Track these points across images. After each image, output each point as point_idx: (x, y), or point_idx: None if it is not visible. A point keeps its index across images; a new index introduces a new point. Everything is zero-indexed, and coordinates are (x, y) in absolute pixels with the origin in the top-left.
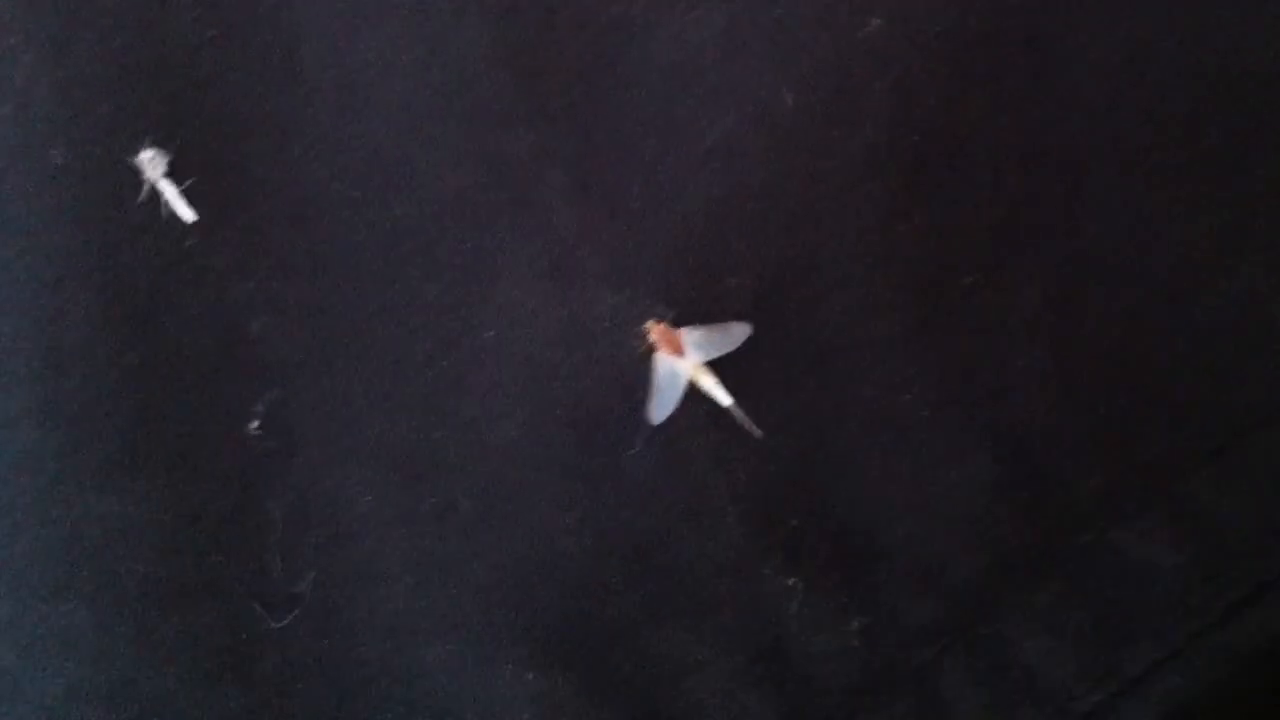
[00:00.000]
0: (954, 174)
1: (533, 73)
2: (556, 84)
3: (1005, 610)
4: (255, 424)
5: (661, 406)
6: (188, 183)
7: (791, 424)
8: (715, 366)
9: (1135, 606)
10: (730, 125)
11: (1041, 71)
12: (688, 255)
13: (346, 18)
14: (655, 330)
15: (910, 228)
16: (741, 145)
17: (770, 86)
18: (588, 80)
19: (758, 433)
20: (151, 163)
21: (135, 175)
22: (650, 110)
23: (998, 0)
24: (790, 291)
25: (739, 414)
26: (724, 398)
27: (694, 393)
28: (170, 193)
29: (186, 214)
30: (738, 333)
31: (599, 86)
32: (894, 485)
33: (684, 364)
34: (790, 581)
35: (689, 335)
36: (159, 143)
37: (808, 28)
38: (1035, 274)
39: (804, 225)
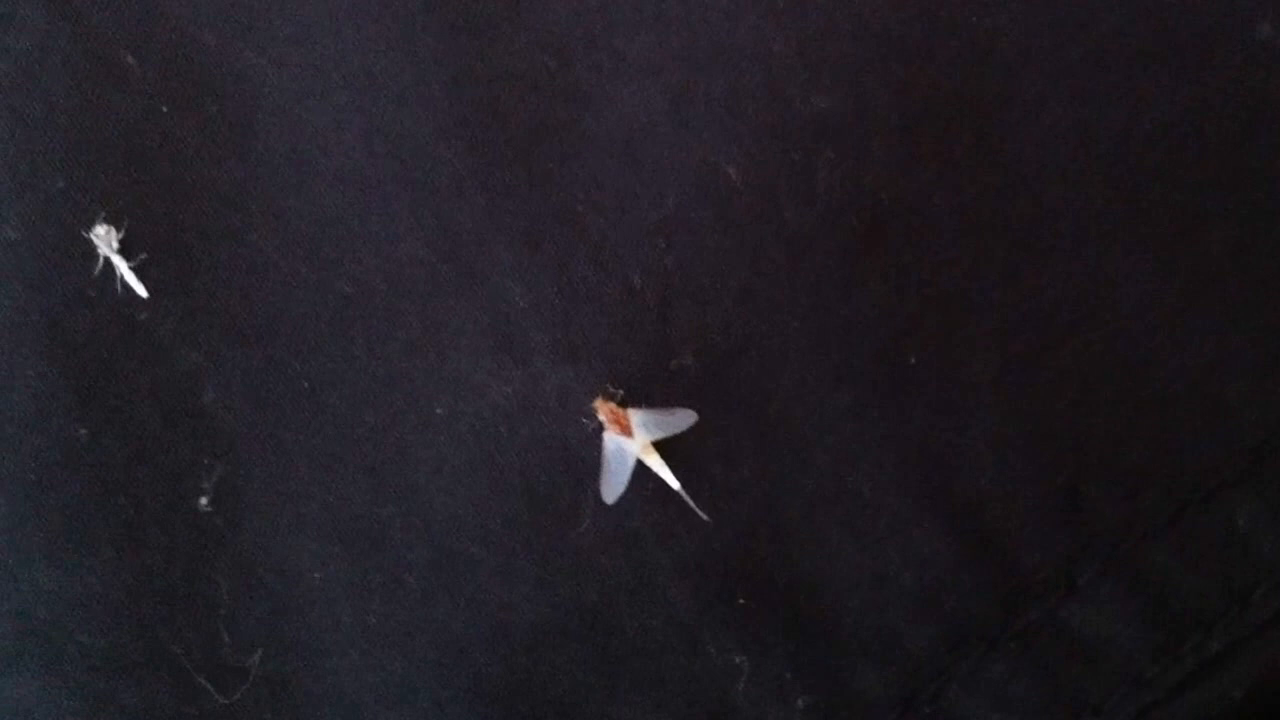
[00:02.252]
0: (903, 246)
1: (482, 144)
2: (505, 155)
3: (956, 685)
4: (204, 499)
5: (612, 485)
6: (140, 257)
7: (739, 499)
8: (662, 446)
9: (1087, 679)
10: (677, 199)
11: (991, 142)
12: (634, 331)
13: (298, 89)
14: (603, 409)
15: (858, 301)
16: (688, 219)
17: (716, 160)
18: (536, 152)
19: (705, 517)
20: (105, 237)
21: (89, 249)
22: (598, 183)
23: (945, 73)
24: (737, 367)
25: (686, 497)
26: (672, 480)
27: (642, 469)
28: (123, 268)
29: (139, 289)
30: (684, 419)
31: (547, 158)
32: (843, 559)
33: (631, 444)
34: (737, 659)
35: (636, 416)
36: (111, 217)
37: (754, 101)
38: (986, 345)
39: (750, 300)
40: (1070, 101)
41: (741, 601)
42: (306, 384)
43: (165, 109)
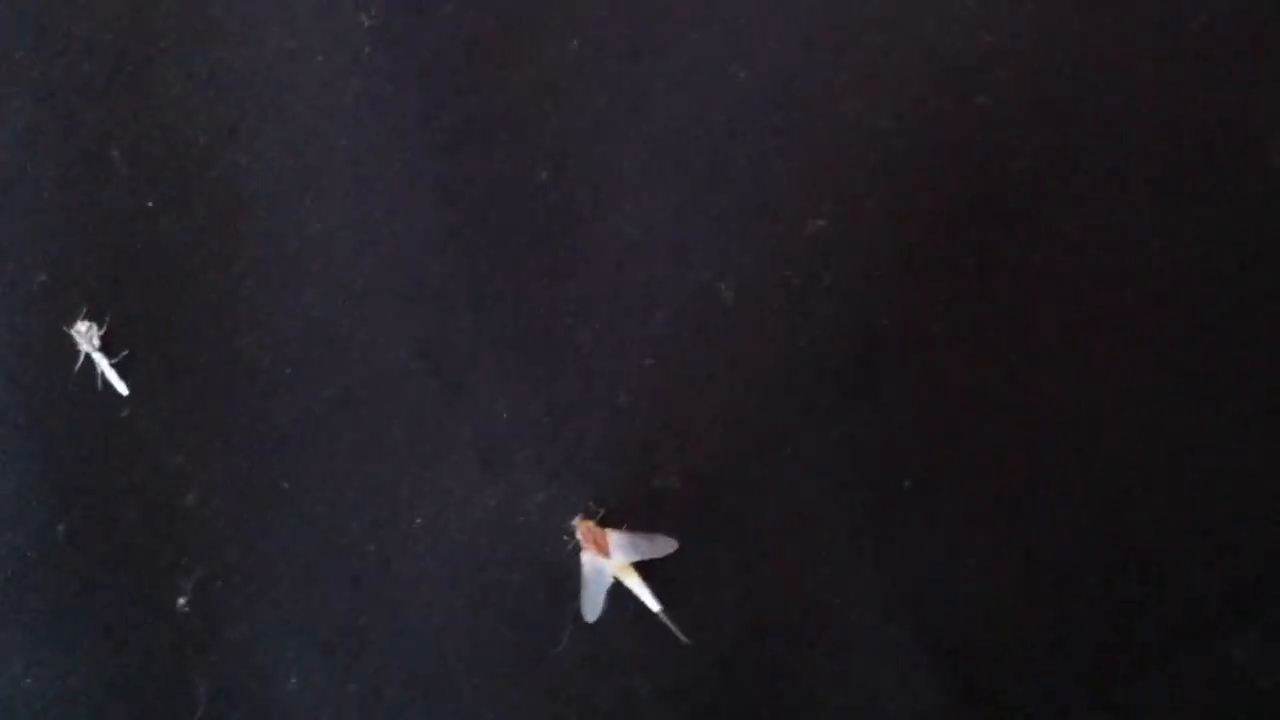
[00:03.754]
0: (899, 372)
1: (472, 256)
2: (496, 268)
3: None
4: (183, 600)
5: (591, 605)
6: (122, 355)
7: (722, 625)
8: (644, 566)
9: None
10: (668, 317)
11: (994, 266)
12: (618, 451)
13: (288, 194)
14: (582, 528)
15: (850, 429)
16: (678, 338)
17: (710, 280)
18: (527, 266)
19: (684, 640)
20: (86, 335)
21: (70, 346)
22: (589, 299)
23: (949, 196)
24: (723, 491)
25: (666, 619)
26: (651, 602)
27: (622, 591)
28: (104, 365)
29: (121, 386)
30: (664, 545)
31: (538, 273)
32: (828, 691)
33: (610, 564)
34: None
35: (615, 538)
36: (93, 314)
37: (751, 222)
38: (981, 474)
39: (737, 425)
40: (1080, 226)
41: None
42: (289, 489)
43: (152, 207)
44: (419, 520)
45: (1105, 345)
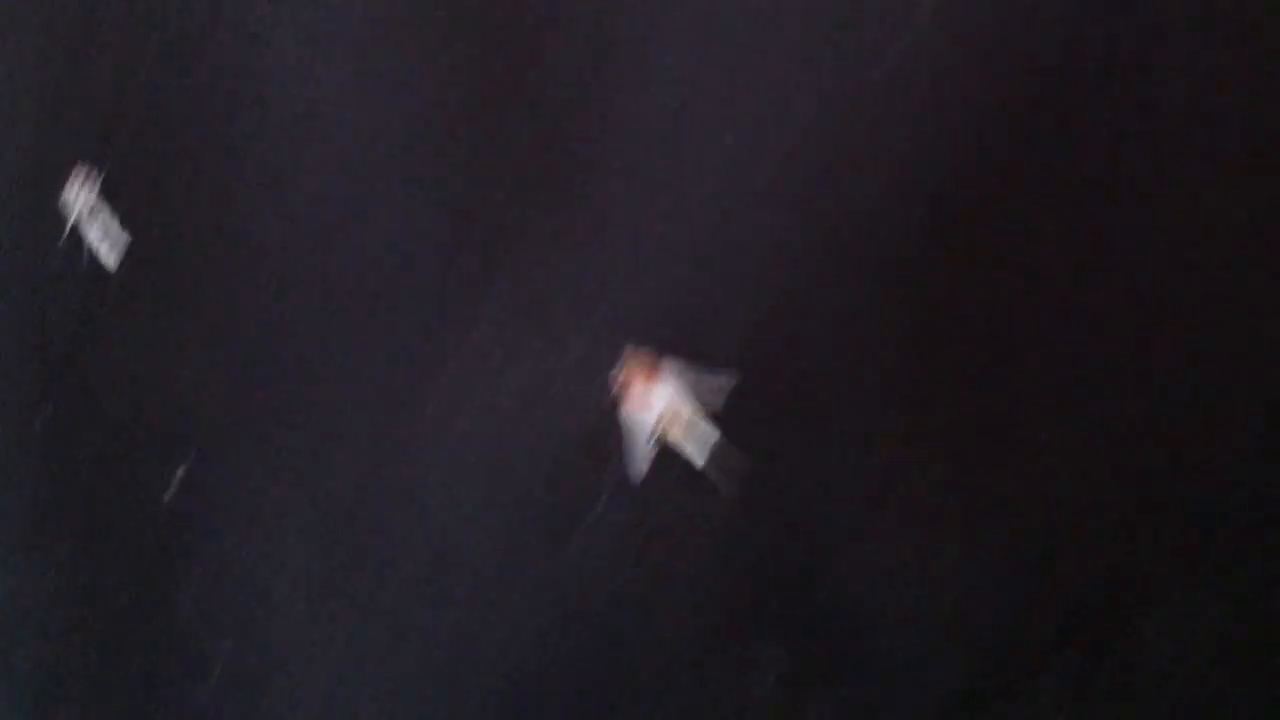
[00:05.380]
0: (991, 217)
1: (513, 118)
2: (537, 129)
3: (1000, 708)
4: (170, 492)
5: (638, 455)
6: (113, 223)
7: (781, 487)
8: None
9: (1163, 704)
10: (718, 179)
11: (1113, 85)
12: (673, 305)
13: (310, 43)
14: (630, 361)
15: (935, 278)
16: (741, 187)
17: (776, 121)
18: (576, 117)
19: (730, 489)
20: (75, 202)
21: (58, 215)
22: (636, 160)
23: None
24: (792, 334)
25: (713, 471)
26: (700, 450)
27: (667, 451)
28: (94, 235)
29: (110, 259)
30: (723, 380)
31: (588, 123)
32: (893, 562)
33: (660, 393)
34: (760, 669)
35: (670, 365)
36: (84, 180)
37: (822, 61)
38: (1068, 336)
39: (817, 256)
40: None
41: (773, 602)
42: (296, 368)
43: (152, 63)
44: (442, 393)
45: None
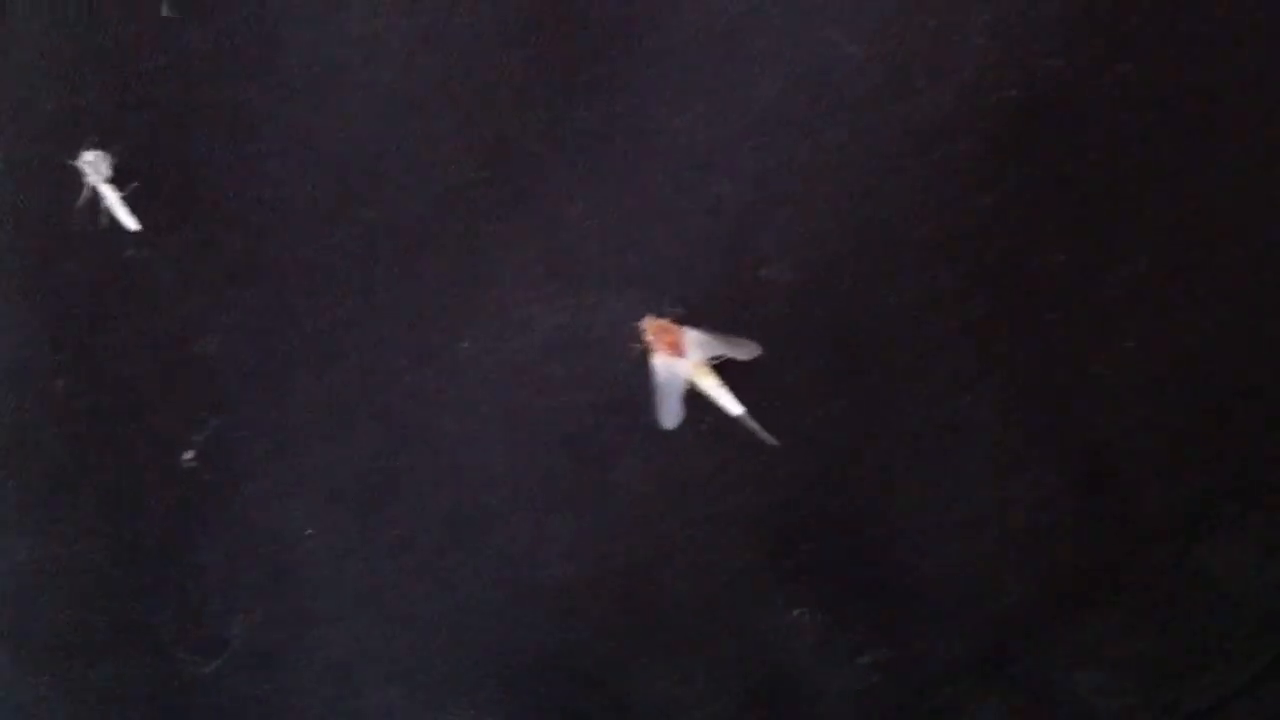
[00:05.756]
0: (1055, 136)
1: (548, 47)
2: (579, 56)
3: (1053, 643)
4: (190, 454)
5: (668, 412)
6: (132, 187)
7: (820, 435)
8: (727, 375)
9: (1210, 633)
10: (777, 91)
11: (1165, 18)
12: (716, 244)
13: None
14: (653, 328)
15: (990, 200)
16: (789, 113)
17: (836, 38)
18: (616, 50)
19: (771, 441)
20: (94, 164)
21: (76, 178)
22: (685, 80)
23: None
24: (835, 280)
25: (750, 422)
26: (732, 405)
27: (700, 402)
28: (112, 198)
29: (129, 222)
30: (745, 348)
31: (629, 56)
32: (938, 501)
33: (685, 364)
34: (798, 613)
35: (692, 335)
36: (103, 142)
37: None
38: (1133, 252)
39: (857, 202)
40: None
41: (809, 548)
42: (320, 326)
43: (171, 16)
44: (466, 346)
45: None
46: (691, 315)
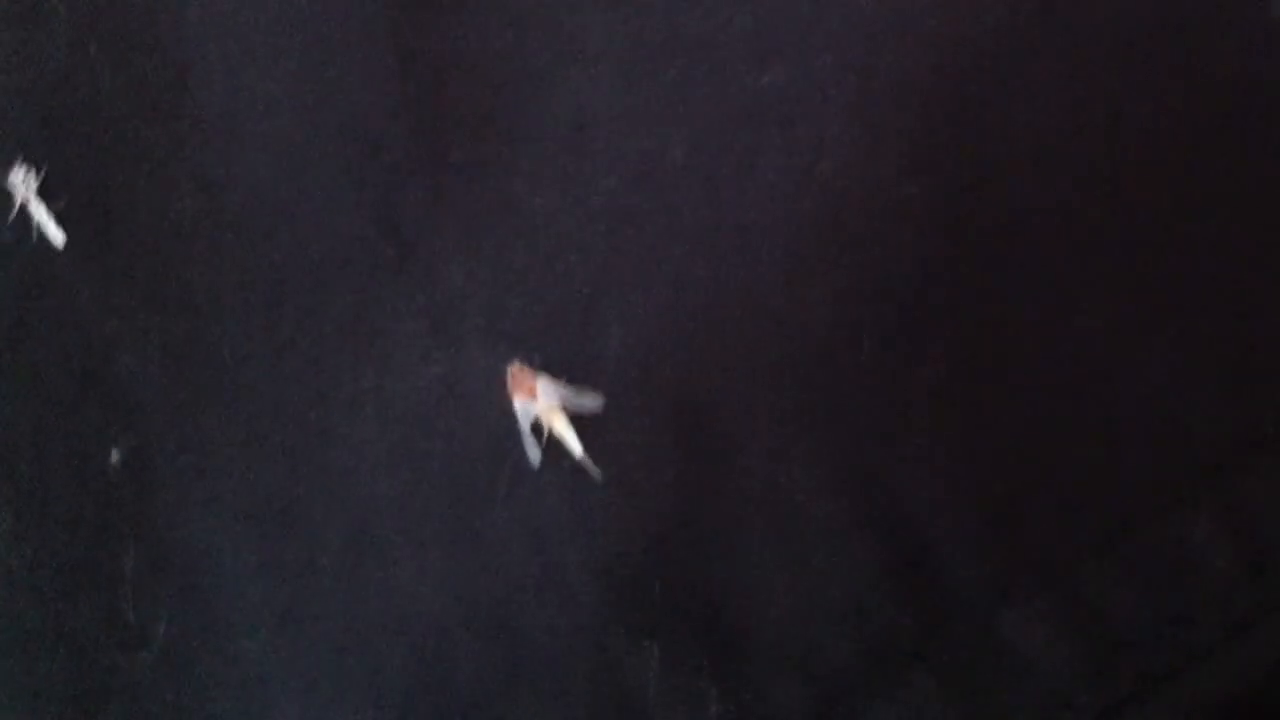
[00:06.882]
0: (862, 236)
1: (431, 126)
2: (453, 138)
3: (876, 703)
4: (113, 464)
5: (530, 449)
6: (60, 203)
7: (659, 496)
8: (577, 423)
9: (1012, 703)
10: (620, 182)
11: (964, 132)
12: (563, 316)
13: (239, 51)
14: (513, 372)
15: (809, 291)
16: (630, 203)
17: (662, 143)
18: (485, 135)
19: (598, 476)
20: (23, 182)
21: (6, 196)
22: (544, 167)
23: (913, 52)
24: (667, 356)
25: (588, 462)
26: (575, 445)
27: (558, 453)
28: (40, 214)
29: (56, 236)
30: (589, 400)
31: (496, 142)
32: (766, 567)
33: (537, 406)
34: (646, 664)
35: (543, 382)
36: (31, 162)
37: (703, 82)
38: (940, 347)
39: (688, 288)
40: (1056, 84)
41: (656, 595)
42: (228, 358)
43: (94, 57)
44: (363, 389)
45: (1086, 214)
46: (548, 367)
